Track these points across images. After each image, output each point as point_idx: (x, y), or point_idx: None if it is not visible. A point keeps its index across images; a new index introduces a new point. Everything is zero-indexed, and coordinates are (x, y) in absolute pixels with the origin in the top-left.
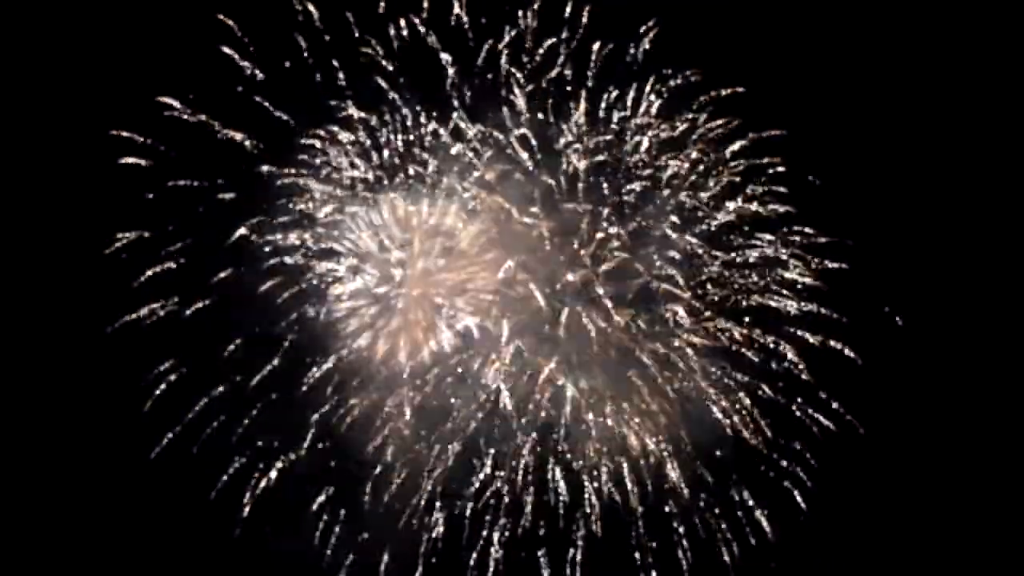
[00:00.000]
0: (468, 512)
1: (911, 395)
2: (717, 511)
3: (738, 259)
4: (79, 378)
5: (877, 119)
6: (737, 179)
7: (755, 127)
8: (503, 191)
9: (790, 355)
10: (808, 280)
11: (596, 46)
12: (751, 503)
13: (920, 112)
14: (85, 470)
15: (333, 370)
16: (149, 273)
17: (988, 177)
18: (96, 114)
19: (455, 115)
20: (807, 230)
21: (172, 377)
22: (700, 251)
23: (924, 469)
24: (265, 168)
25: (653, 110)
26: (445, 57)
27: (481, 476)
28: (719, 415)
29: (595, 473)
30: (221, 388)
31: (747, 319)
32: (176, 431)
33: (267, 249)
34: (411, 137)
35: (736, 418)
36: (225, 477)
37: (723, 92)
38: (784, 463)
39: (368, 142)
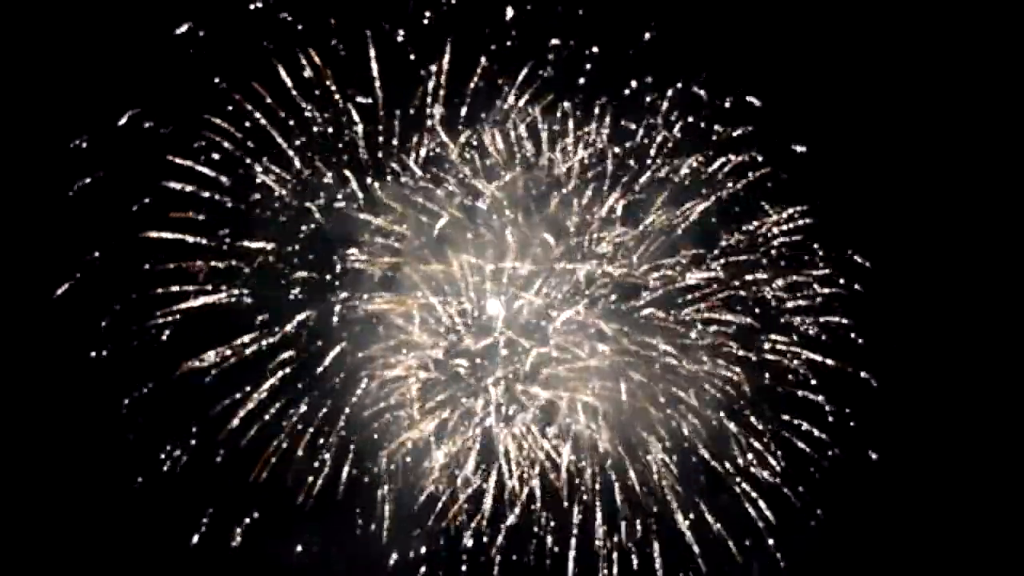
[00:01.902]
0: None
1: (927, 419)
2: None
3: (747, 273)
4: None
5: (895, 134)
6: (742, 192)
7: (765, 136)
8: (491, 197)
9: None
10: (822, 296)
11: (594, 48)
12: (760, 524)
13: (942, 126)
14: (68, 501)
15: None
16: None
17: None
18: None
19: (436, 121)
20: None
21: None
22: (707, 269)
23: (939, 497)
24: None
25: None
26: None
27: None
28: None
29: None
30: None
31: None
32: (165, 455)
33: (246, 269)
34: (394, 143)
35: (743, 440)
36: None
37: (729, 102)
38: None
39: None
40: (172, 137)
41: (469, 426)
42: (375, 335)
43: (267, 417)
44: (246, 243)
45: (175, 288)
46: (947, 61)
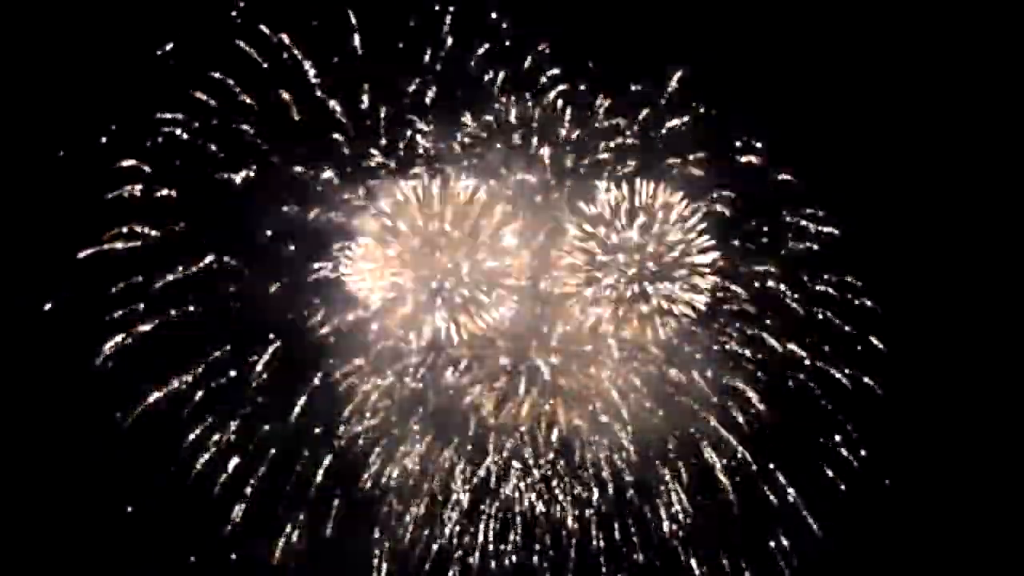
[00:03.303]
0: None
1: (938, 434)
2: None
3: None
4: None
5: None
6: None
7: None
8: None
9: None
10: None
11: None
12: (771, 544)
13: (962, 143)
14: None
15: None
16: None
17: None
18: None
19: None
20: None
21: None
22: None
23: (952, 514)
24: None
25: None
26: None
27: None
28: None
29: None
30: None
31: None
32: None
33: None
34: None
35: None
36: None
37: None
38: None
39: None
40: (125, 137)
41: (462, 443)
42: (362, 347)
43: (251, 446)
44: (219, 257)
45: (140, 306)
46: (972, 69)
